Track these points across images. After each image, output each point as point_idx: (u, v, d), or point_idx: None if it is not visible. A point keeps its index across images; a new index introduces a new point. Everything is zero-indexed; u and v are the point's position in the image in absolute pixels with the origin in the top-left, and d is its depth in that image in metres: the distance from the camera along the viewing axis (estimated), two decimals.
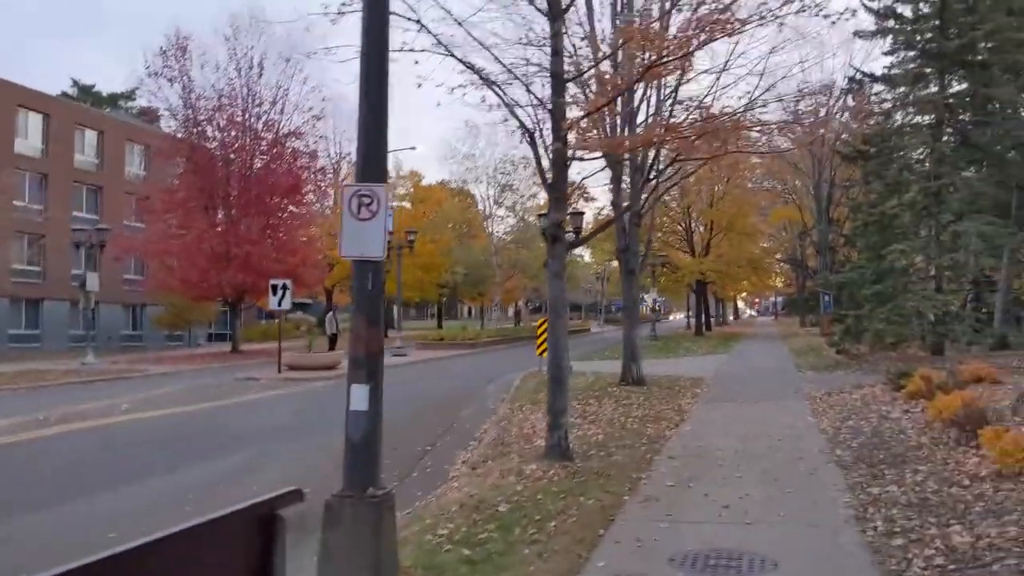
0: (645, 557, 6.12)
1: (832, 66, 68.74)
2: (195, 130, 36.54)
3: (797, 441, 10.80)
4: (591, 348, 35.08)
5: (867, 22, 25.85)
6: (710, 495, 7.85)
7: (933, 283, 23.77)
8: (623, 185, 16.41)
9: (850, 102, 27.95)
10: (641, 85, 16.77)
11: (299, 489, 3.30)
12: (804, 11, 9.56)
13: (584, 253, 65.62)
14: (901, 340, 24.11)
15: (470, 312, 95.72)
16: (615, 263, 35.23)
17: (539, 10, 10.11)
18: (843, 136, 30.12)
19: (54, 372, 26.03)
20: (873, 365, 21.57)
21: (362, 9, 5.79)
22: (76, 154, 43.67)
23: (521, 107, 9.93)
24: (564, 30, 9.96)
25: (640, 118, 17.03)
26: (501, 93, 9.66)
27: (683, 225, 51.50)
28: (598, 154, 10.01)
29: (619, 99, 16.56)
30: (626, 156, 15.51)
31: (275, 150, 37.58)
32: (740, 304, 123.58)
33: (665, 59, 9.20)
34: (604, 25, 16.32)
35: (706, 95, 14.70)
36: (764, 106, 10.36)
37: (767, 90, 12.92)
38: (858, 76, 27.85)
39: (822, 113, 24.04)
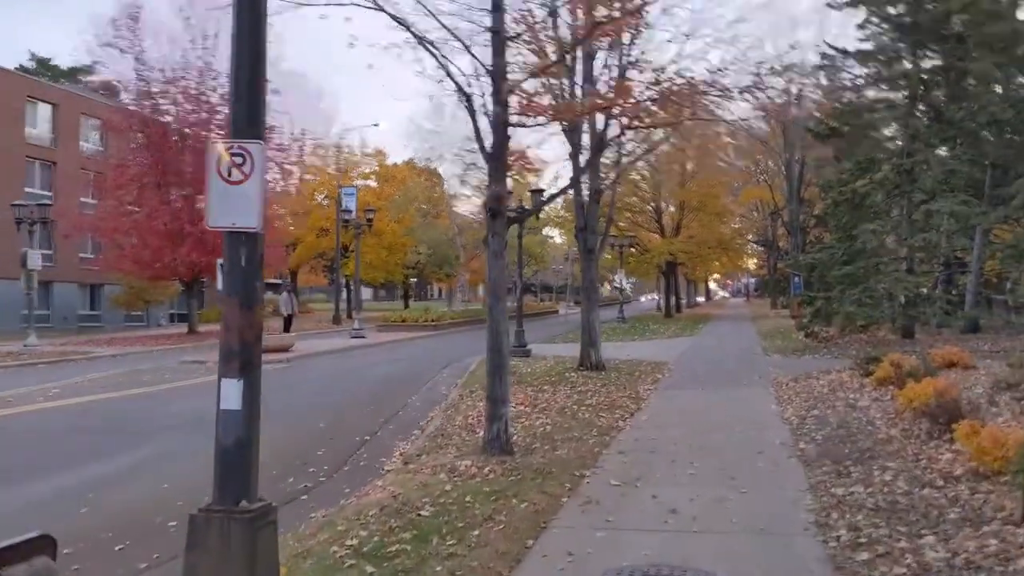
0: (574, 574, 5.32)
1: (805, 40, 68.19)
2: (148, 103, 35.01)
3: (759, 432, 10.04)
4: (556, 331, 34.32)
5: None
6: (658, 496, 7.06)
7: (904, 264, 23.22)
8: (581, 159, 15.50)
9: (823, 80, 27.21)
10: (604, 53, 15.99)
11: (46, 535, 2.39)
12: None
13: (554, 233, 64.63)
14: (871, 323, 23.56)
15: (439, 293, 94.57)
16: None
17: None
18: (815, 114, 29.40)
19: None
20: (842, 348, 20.98)
21: None
22: (27, 128, 42.06)
23: (465, 75, 9.05)
24: None
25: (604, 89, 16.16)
26: (436, 51, 8.74)
27: (653, 205, 50.63)
28: (543, 120, 9.06)
29: (577, 65, 15.81)
30: (584, 127, 14.67)
31: None
32: (712, 286, 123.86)
33: (613, 16, 8.34)
34: None
35: (671, 63, 13.90)
36: (723, 70, 9.50)
37: (734, 62, 12.23)
38: (831, 52, 27.11)
39: (793, 91, 23.36)
